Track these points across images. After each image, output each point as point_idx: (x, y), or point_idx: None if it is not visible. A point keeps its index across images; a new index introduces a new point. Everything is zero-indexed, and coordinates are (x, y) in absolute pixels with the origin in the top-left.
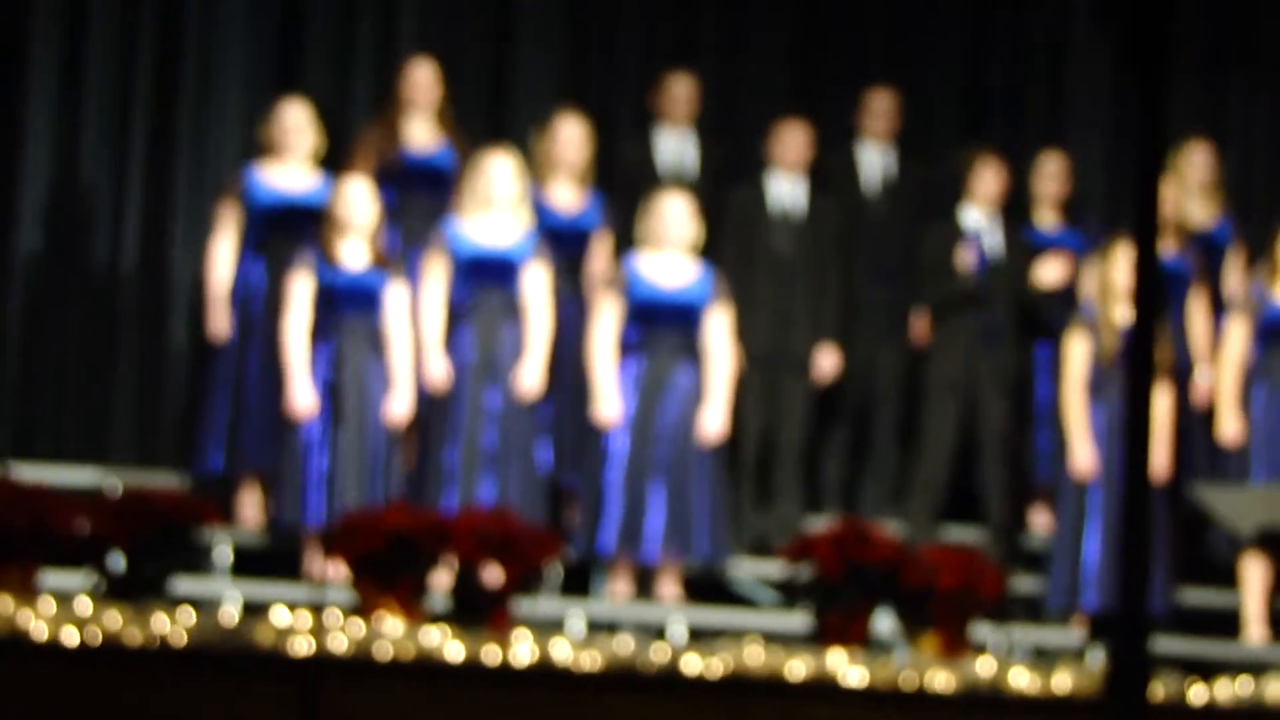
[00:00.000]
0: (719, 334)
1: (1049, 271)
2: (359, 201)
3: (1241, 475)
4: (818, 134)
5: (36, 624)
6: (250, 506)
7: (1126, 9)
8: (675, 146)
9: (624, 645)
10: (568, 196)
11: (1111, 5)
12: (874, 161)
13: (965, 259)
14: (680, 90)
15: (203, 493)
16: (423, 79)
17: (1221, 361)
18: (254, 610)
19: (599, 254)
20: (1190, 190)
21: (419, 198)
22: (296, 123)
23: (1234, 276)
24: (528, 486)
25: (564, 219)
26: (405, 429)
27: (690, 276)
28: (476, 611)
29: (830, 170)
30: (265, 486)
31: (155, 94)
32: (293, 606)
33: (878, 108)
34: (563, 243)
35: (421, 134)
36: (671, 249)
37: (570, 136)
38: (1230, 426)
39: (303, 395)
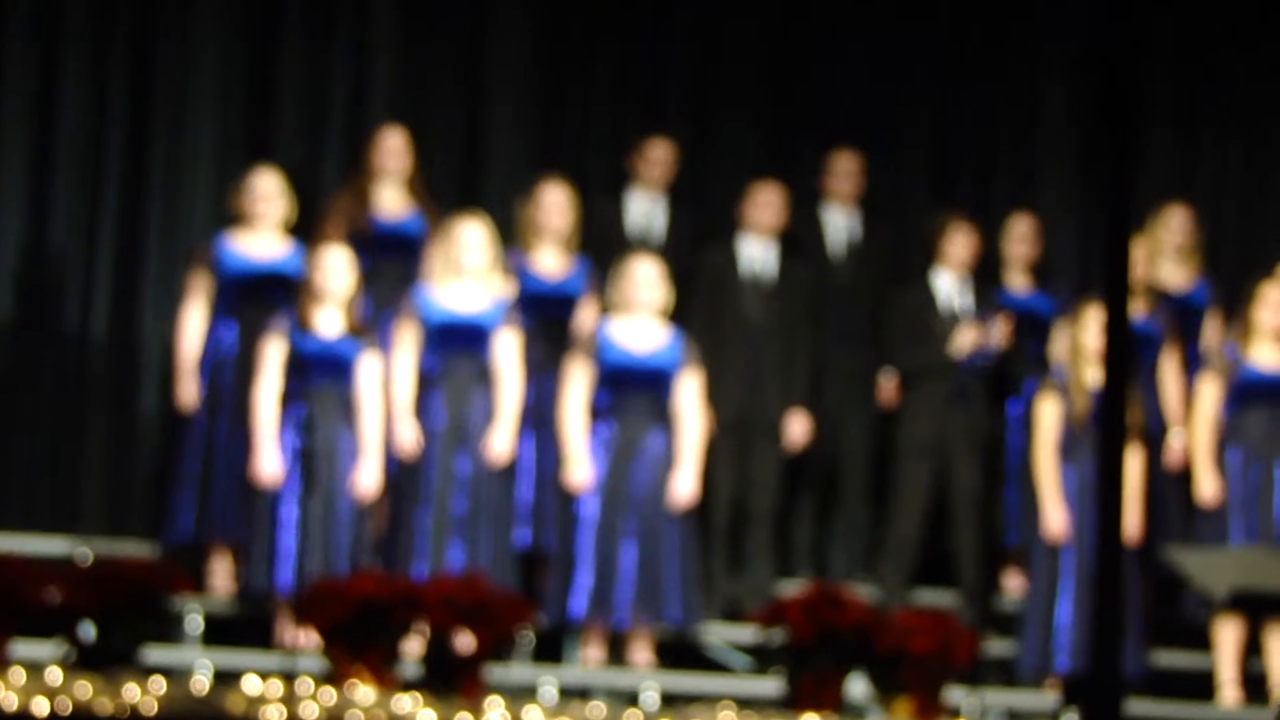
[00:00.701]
0: (690, 398)
1: (965, 337)
2: (337, 270)
3: (1218, 538)
4: (789, 197)
5: (7, 694)
6: (221, 575)
7: (1097, 70)
8: (645, 209)
9: (597, 711)
10: (552, 262)
11: (1083, 66)
12: (839, 224)
13: (967, 340)
14: (658, 154)
15: (173, 561)
16: (393, 146)
17: (1195, 422)
18: (225, 679)
19: (584, 319)
20: (1166, 253)
21: (389, 264)
22: (268, 191)
23: (1211, 338)
24: (499, 552)
25: (548, 285)
26: (374, 496)
27: (661, 341)
28: (449, 678)
29: (798, 233)
30: (236, 554)
31: (126, 161)
32: (264, 675)
33: (842, 169)
34: (548, 309)
35: (391, 201)
36: (642, 313)
37: (554, 203)
38: (1207, 488)
39: (270, 462)
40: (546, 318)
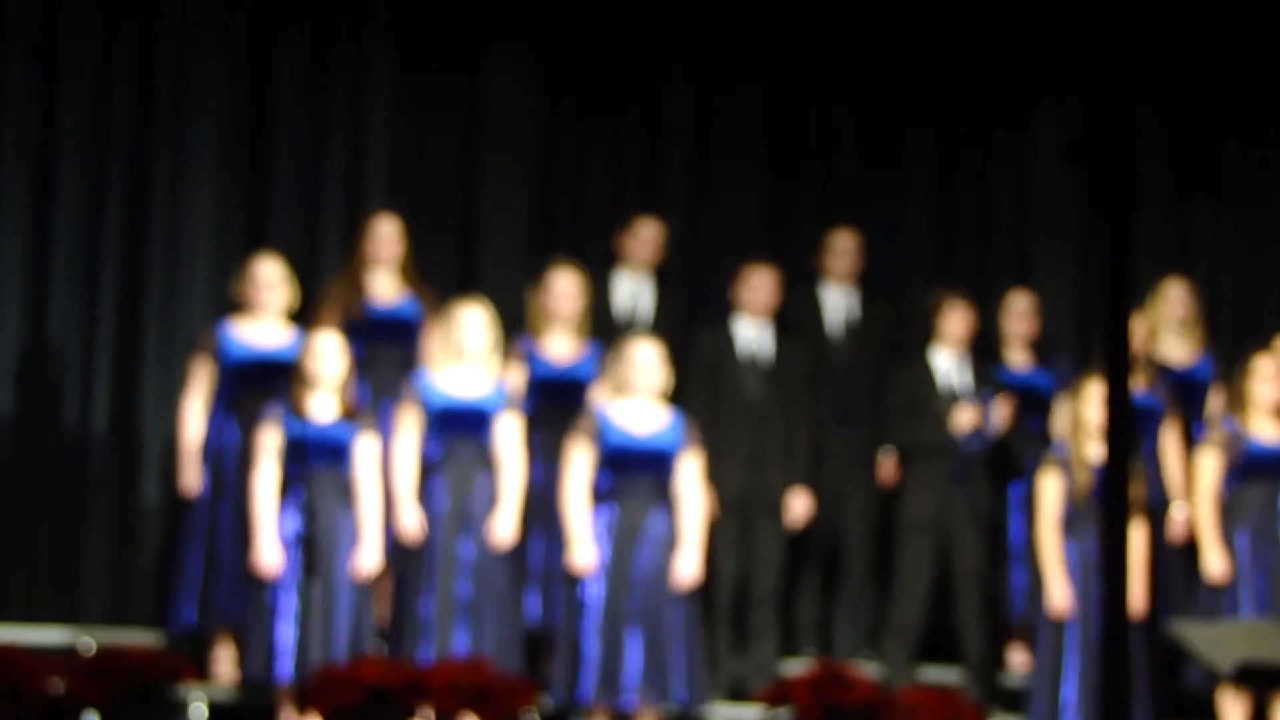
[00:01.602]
0: (691, 479)
1: (964, 417)
2: (328, 355)
3: (1226, 612)
4: (784, 277)
5: None
6: (225, 662)
7: (1091, 151)
8: (631, 290)
9: None
10: (563, 348)
11: (1076, 148)
12: (837, 303)
13: (965, 419)
14: (648, 233)
15: (177, 649)
16: (385, 234)
17: (1197, 497)
18: None
19: (597, 403)
20: (1168, 326)
21: (385, 349)
22: (270, 279)
23: (1214, 412)
24: (504, 635)
25: (559, 370)
26: (378, 580)
27: (661, 423)
28: None
29: (795, 312)
30: (239, 641)
31: (124, 251)
32: None
33: (839, 248)
34: (559, 394)
35: (386, 287)
36: (642, 395)
37: (564, 288)
38: (1215, 564)
39: (269, 551)
40: (558, 403)
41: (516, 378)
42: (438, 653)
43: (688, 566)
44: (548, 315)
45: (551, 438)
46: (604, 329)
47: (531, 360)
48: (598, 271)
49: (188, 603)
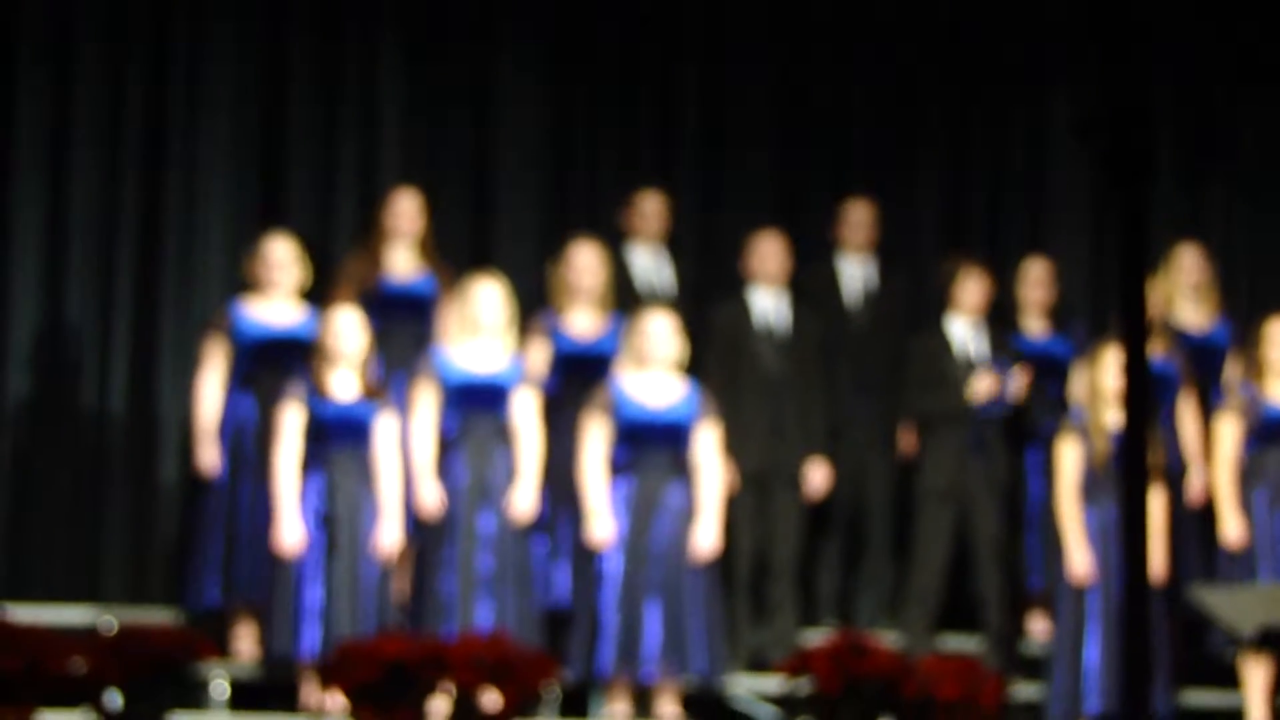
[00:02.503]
0: (709, 451)
1: (981, 385)
2: (349, 332)
3: (1245, 577)
4: (797, 247)
5: None
6: (245, 640)
7: (1104, 124)
8: (648, 263)
9: None
10: (586, 323)
11: (1089, 121)
12: (854, 273)
13: (982, 387)
14: (650, 207)
15: (197, 627)
16: (406, 209)
17: (1216, 463)
18: None
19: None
20: (1183, 292)
21: (401, 325)
22: (283, 258)
23: (1232, 377)
24: (523, 610)
25: (583, 345)
26: (398, 557)
27: (677, 395)
28: None
29: (812, 284)
30: (260, 619)
31: (139, 232)
32: None
33: (855, 219)
34: (583, 370)
35: (403, 263)
36: (657, 368)
37: (585, 263)
38: (1234, 529)
39: (292, 529)
40: (582, 378)
41: (540, 354)
42: (460, 628)
43: (706, 538)
44: (570, 290)
45: (573, 414)
46: (627, 303)
47: (555, 336)
48: (616, 245)
49: (209, 581)
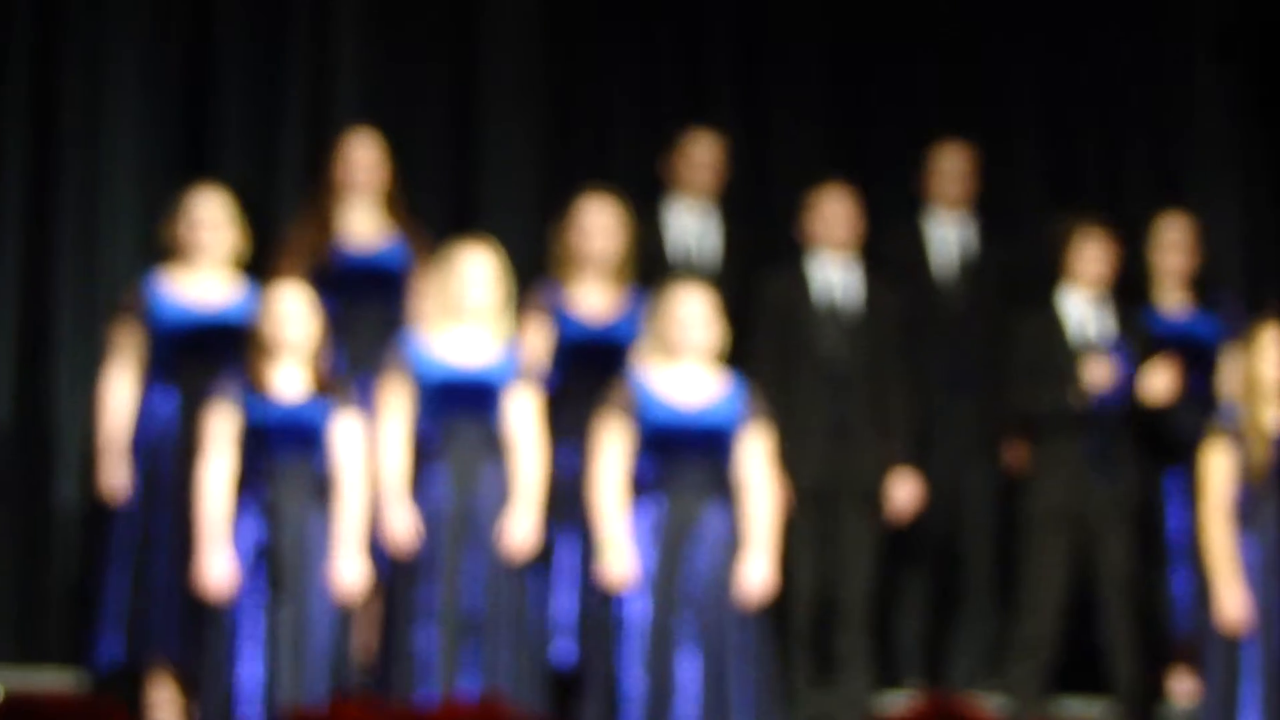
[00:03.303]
0: (757, 463)
1: (1159, 381)
2: (293, 315)
3: None
4: (871, 204)
5: None
6: (164, 708)
7: (1250, 44)
8: (692, 226)
9: None
10: (598, 300)
11: (1231, 41)
12: (945, 237)
13: (1097, 375)
14: (704, 153)
15: (104, 693)
16: (363, 158)
17: None
18: None
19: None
20: None
21: (365, 306)
22: (212, 218)
23: None
24: (523, 669)
25: (594, 329)
26: (362, 602)
27: (716, 392)
28: None
29: (890, 250)
30: (183, 681)
31: (26, 191)
32: None
33: (949, 168)
34: (591, 360)
35: (364, 226)
36: (691, 358)
37: (598, 224)
38: None
39: (221, 567)
40: (591, 371)
41: (538, 339)
42: (441, 692)
43: (755, 575)
44: (577, 258)
45: (584, 416)
46: (653, 275)
47: (558, 317)
48: (635, 202)
49: (115, 634)
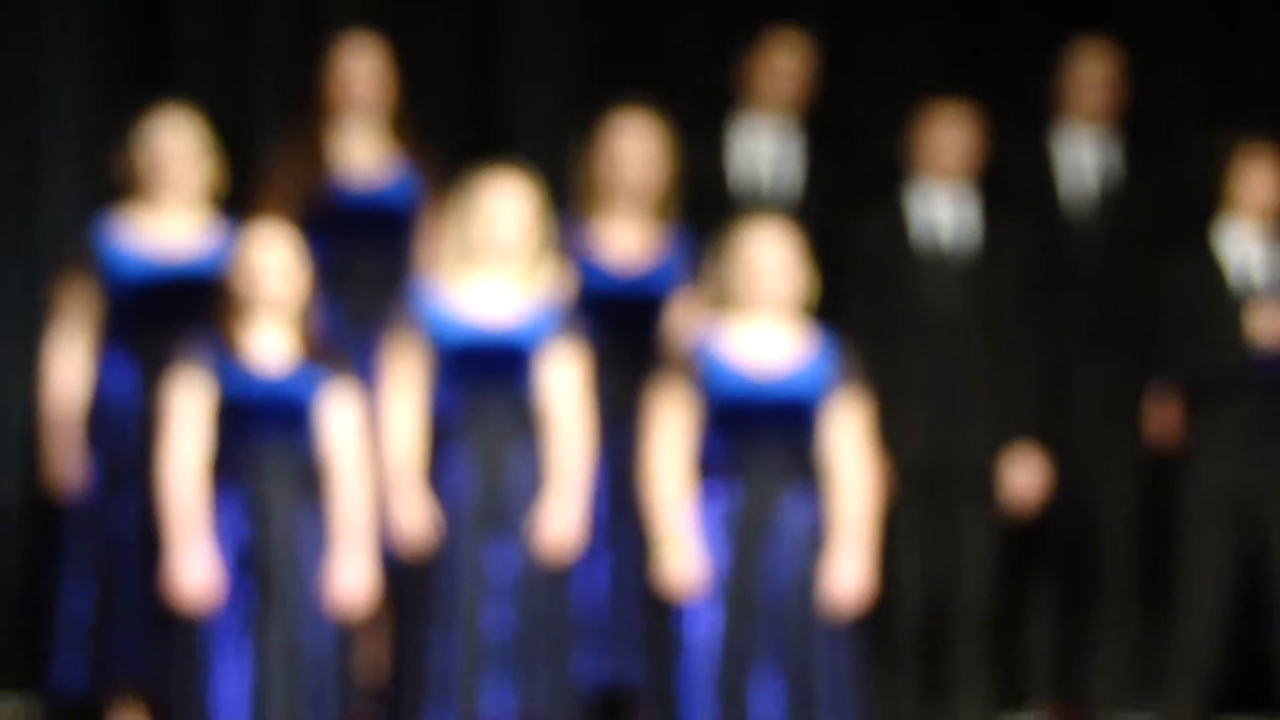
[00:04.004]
0: (848, 441)
1: (1263, 320)
2: (275, 265)
3: None
4: (989, 122)
5: None
6: None
7: None
8: (765, 150)
9: None
10: (630, 241)
11: None
12: (1082, 161)
13: (1265, 326)
14: (785, 60)
15: None
16: (361, 70)
17: None
18: None
19: (684, 330)
20: None
21: (366, 253)
22: (178, 147)
23: None
24: (560, 688)
25: (624, 279)
26: (366, 612)
27: (798, 355)
28: None
29: (1013, 177)
30: (152, 708)
31: None
32: None
33: (1087, 75)
34: (624, 315)
35: (364, 155)
36: (766, 314)
37: (632, 148)
38: None
39: (195, 570)
40: (623, 328)
41: (559, 289)
42: (461, 717)
43: (847, 576)
44: (606, 191)
45: (615, 384)
46: (718, 211)
47: (581, 263)
48: (693, 121)
49: (71, 654)
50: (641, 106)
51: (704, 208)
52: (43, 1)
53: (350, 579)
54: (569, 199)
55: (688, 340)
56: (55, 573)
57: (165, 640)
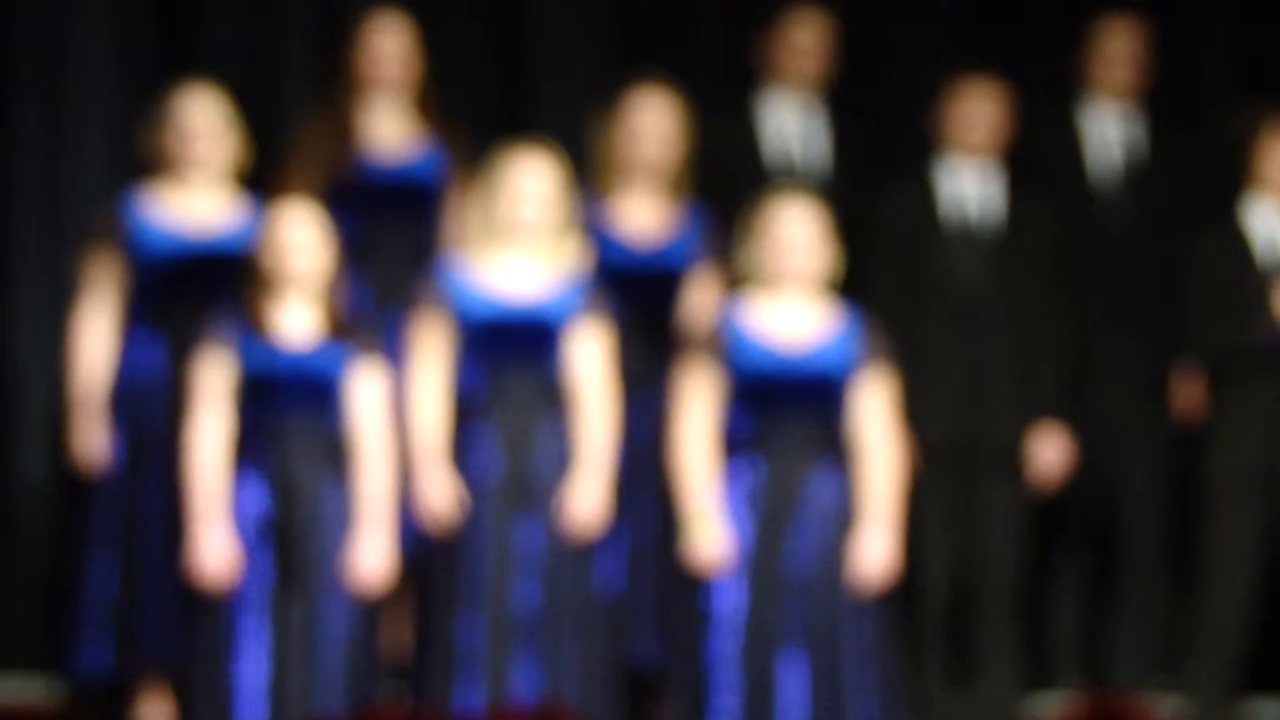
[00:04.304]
0: (875, 417)
1: None
2: (303, 241)
3: None
4: (1017, 96)
5: None
6: None
7: None
8: (791, 126)
9: None
10: (647, 216)
11: None
12: (1109, 134)
13: None
14: (806, 36)
15: (84, 705)
16: (389, 47)
17: None
18: None
19: (700, 305)
20: None
21: (392, 228)
22: (205, 123)
23: None
24: (590, 668)
25: (642, 253)
26: (390, 591)
27: (825, 330)
28: None
29: (1039, 153)
30: (177, 689)
31: None
32: None
33: (1115, 50)
34: (642, 290)
35: (390, 130)
36: (794, 288)
37: (650, 124)
38: None
39: (217, 548)
40: (641, 303)
41: (584, 265)
42: (490, 696)
43: (874, 553)
44: (625, 165)
45: (630, 361)
46: (748, 187)
47: (600, 238)
48: (720, 97)
49: (97, 635)
50: (659, 82)
51: (735, 184)
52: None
53: (371, 557)
54: (588, 175)
55: (713, 316)
56: (81, 552)
57: (189, 619)
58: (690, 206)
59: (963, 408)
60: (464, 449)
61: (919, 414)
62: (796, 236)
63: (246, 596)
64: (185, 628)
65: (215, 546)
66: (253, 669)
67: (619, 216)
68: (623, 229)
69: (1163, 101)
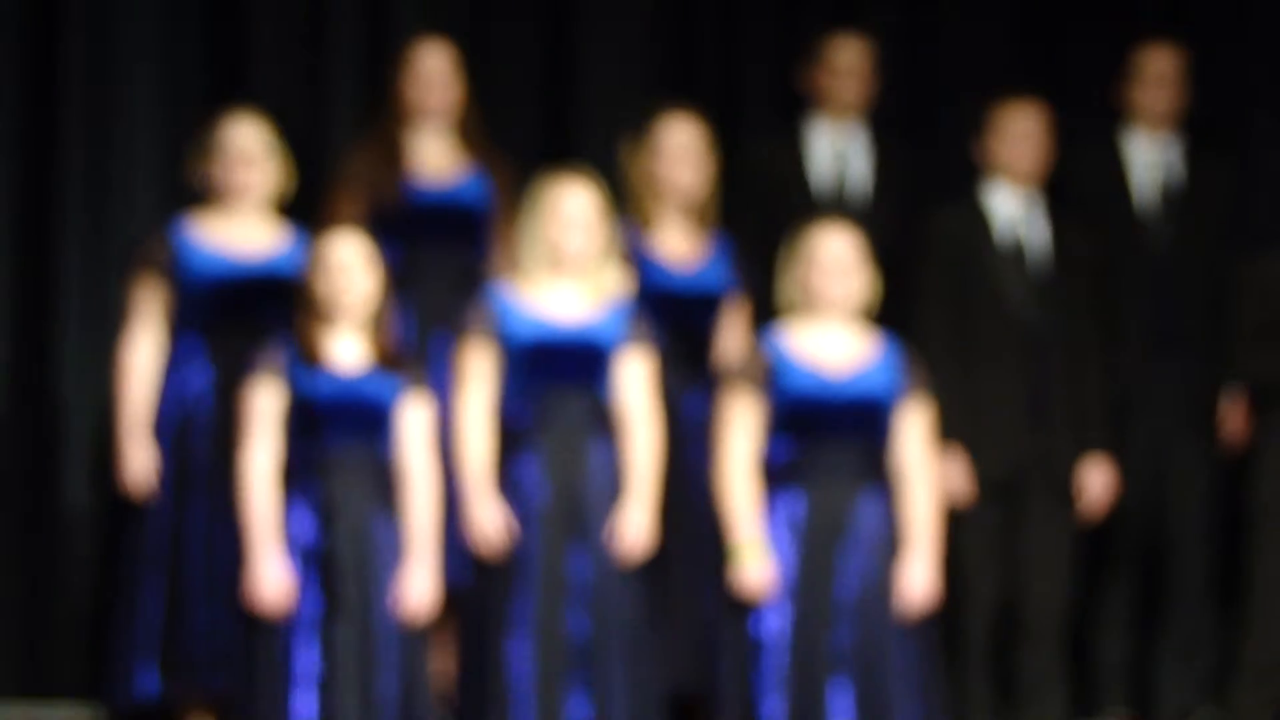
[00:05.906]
0: (916, 444)
1: None
2: (351, 269)
3: None
4: (1059, 124)
5: None
6: None
7: None
8: (834, 148)
9: None
10: (680, 243)
11: None
12: (1151, 160)
13: None
14: (849, 59)
15: None
16: (436, 71)
17: None
18: None
19: (732, 331)
20: None
21: (437, 254)
22: (250, 150)
23: None
24: (641, 698)
25: (677, 277)
26: (438, 619)
27: (867, 356)
28: None
29: (1083, 177)
30: (223, 713)
31: (23, 123)
32: None
33: (1154, 72)
34: (677, 315)
35: (435, 157)
36: (834, 314)
37: (681, 149)
38: None
39: (273, 573)
40: (679, 328)
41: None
42: None
43: (919, 580)
44: (657, 192)
45: (675, 384)
46: (795, 212)
47: (641, 264)
48: (764, 123)
49: (144, 660)
50: (688, 109)
51: (784, 211)
52: (119, 4)
53: (418, 584)
54: (624, 204)
55: (755, 343)
56: (129, 576)
57: (242, 644)
58: (717, 233)
59: (1011, 437)
60: (511, 475)
61: (968, 442)
62: (838, 263)
63: (301, 622)
64: (240, 655)
65: (272, 574)
66: (308, 698)
67: (654, 243)
68: (658, 254)
69: (1205, 128)
